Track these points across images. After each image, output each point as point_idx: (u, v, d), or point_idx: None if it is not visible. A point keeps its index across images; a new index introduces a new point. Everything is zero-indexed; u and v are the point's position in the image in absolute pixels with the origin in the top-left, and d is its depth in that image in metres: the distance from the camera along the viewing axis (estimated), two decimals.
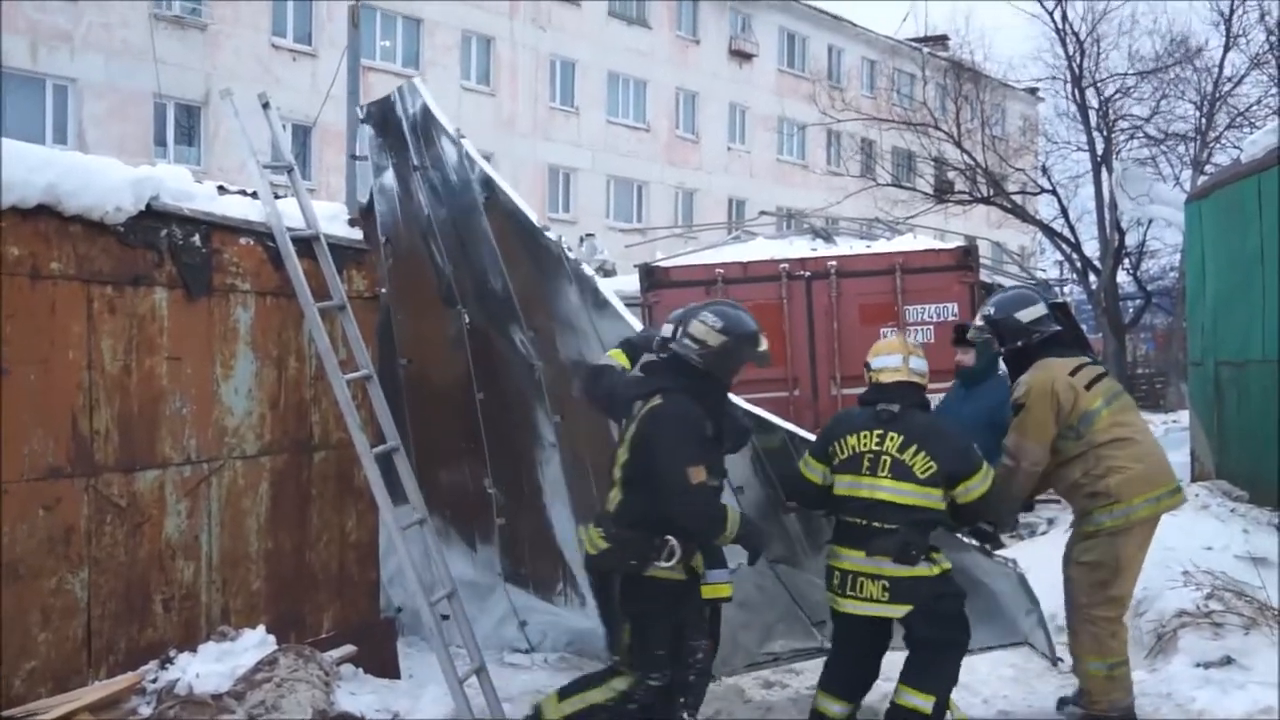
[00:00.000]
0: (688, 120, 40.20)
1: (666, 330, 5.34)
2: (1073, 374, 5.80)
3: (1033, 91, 38.61)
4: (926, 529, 5.47)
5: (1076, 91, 28.31)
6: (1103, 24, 28.70)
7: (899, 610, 5.41)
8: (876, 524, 5.41)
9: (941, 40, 39.01)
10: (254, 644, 5.49)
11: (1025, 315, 5.99)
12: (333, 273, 6.23)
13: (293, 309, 6.09)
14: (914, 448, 5.45)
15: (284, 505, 6.13)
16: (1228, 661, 6.32)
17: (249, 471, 5.93)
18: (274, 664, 5.35)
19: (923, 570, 5.37)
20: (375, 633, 6.63)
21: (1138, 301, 31.12)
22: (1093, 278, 27.84)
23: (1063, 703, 6.09)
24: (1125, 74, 28.71)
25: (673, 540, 4.99)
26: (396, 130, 7.19)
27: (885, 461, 5.48)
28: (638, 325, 6.19)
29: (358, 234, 6.73)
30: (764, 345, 5.35)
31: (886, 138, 32.88)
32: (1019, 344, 6.01)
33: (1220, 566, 7.32)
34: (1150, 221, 25.23)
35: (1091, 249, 28.64)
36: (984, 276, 13.79)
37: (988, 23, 52.59)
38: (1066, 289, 33.52)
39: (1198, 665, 6.28)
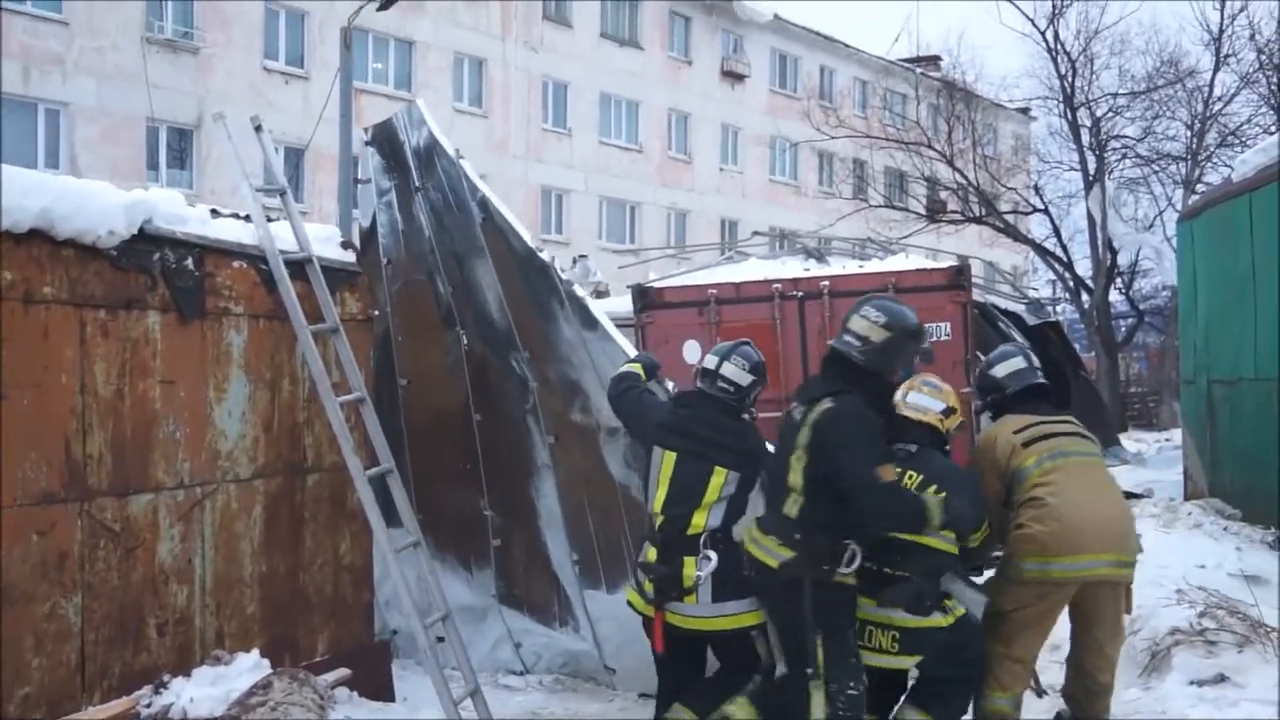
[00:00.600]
0: (680, 141, 40.29)
1: (710, 362, 5.53)
2: (1018, 431, 5.61)
3: (1025, 111, 38.85)
4: (939, 576, 5.18)
5: (1069, 111, 28.49)
6: (1095, 44, 28.97)
7: (909, 662, 5.20)
8: (888, 570, 5.13)
9: (934, 60, 39.22)
10: (248, 668, 5.46)
11: (1000, 370, 5.91)
12: (325, 295, 6.24)
13: (286, 332, 6.09)
14: (933, 489, 5.14)
15: (277, 528, 6.12)
16: (1222, 679, 6.30)
17: (242, 495, 5.92)
18: (268, 688, 5.31)
19: (936, 621, 5.12)
20: (370, 656, 6.62)
21: (1130, 320, 31.24)
22: (1085, 296, 27.95)
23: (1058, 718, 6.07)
24: (1117, 94, 28.92)
25: (853, 545, 4.95)
26: (399, 153, 7.25)
27: None
28: (629, 347, 6.26)
29: (350, 257, 6.74)
30: (927, 341, 5.52)
31: (878, 158, 33.00)
32: (990, 399, 5.96)
33: (1213, 584, 7.33)
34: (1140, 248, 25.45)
35: (1084, 268, 28.78)
36: (977, 296, 13.79)
37: (980, 42, 53.05)
38: (1059, 308, 33.59)
39: (1192, 683, 6.26)
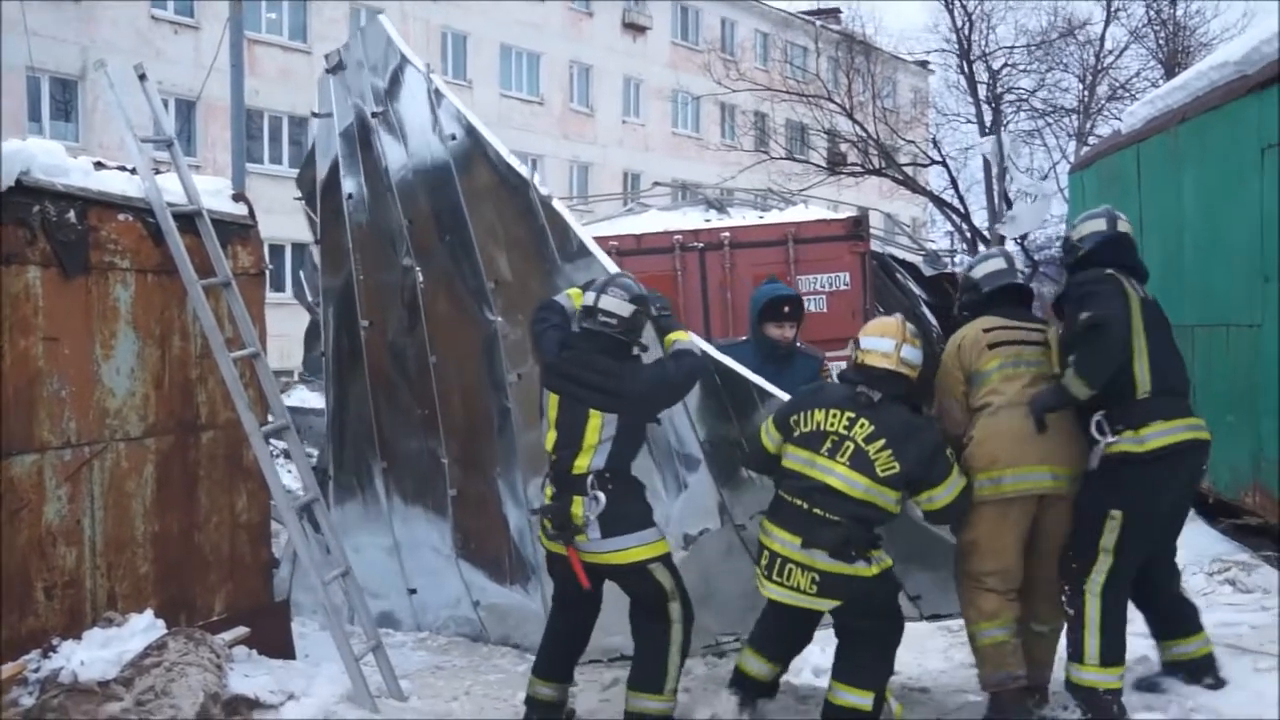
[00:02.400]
0: (582, 93, 40.05)
1: (587, 299, 5.38)
2: (988, 330, 5.41)
3: (923, 64, 39.20)
4: (871, 526, 5.07)
5: (965, 64, 28.80)
6: None
7: (825, 604, 5.11)
8: (818, 511, 5.01)
9: (834, 13, 39.42)
10: (141, 629, 5.38)
11: (979, 270, 5.71)
12: (216, 248, 6.11)
13: (176, 287, 5.95)
14: (881, 442, 5.03)
15: (171, 487, 6.00)
16: None
17: (133, 453, 5.79)
18: (163, 649, 5.24)
19: (859, 569, 4.99)
20: (269, 614, 6.53)
21: (1025, 270, 31.77)
22: (982, 247, 28.32)
23: None
24: (1012, 47, 29.31)
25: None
26: (356, 75, 6.97)
27: (848, 448, 5.07)
28: (612, 269, 5.94)
29: (243, 209, 6.59)
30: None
31: (780, 110, 33.09)
32: (965, 299, 5.73)
33: None
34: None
35: (981, 219, 29.17)
36: (875, 247, 13.95)
37: None
38: (957, 259, 34.08)
39: None
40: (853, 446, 5.05)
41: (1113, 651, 5.12)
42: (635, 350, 5.42)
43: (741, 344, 6.79)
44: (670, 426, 6.05)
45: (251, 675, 5.74)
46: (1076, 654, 5.18)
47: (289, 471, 9.90)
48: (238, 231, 6.49)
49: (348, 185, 7.20)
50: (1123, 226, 5.54)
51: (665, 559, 5.32)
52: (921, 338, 5.44)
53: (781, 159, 29.74)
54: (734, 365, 5.77)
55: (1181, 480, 5.27)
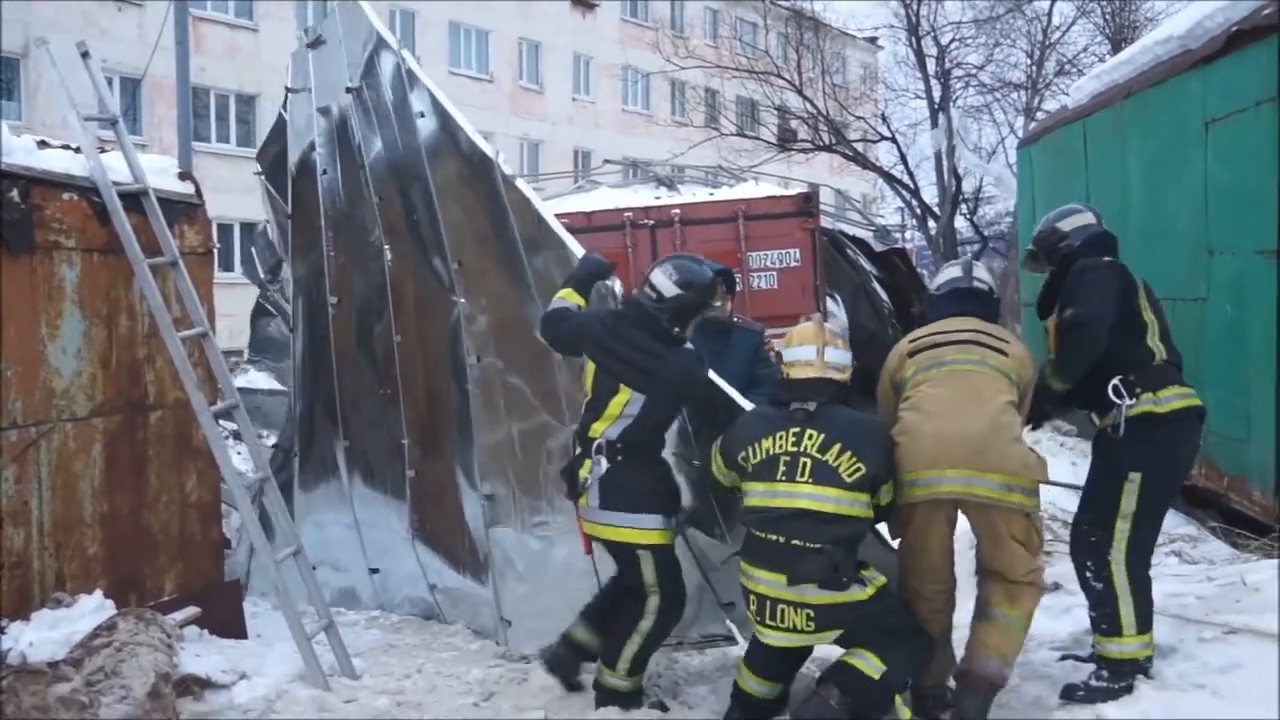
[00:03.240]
0: (531, 71, 39.84)
1: (650, 269, 5.45)
2: (912, 340, 5.31)
3: (872, 40, 39.27)
4: (855, 543, 4.81)
5: (914, 40, 28.87)
6: None
7: (827, 637, 4.85)
8: (797, 542, 4.70)
9: None
10: (91, 609, 5.34)
11: (938, 279, 5.62)
12: (163, 227, 6.05)
13: (122, 266, 5.90)
14: (837, 447, 4.79)
15: (119, 467, 5.95)
16: (1056, 587, 6.57)
17: (80, 434, 5.74)
18: (113, 629, 5.21)
19: (854, 594, 4.72)
20: (220, 594, 6.50)
21: (975, 245, 32.01)
22: (931, 223, 28.50)
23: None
24: (960, 23, 29.40)
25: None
26: (334, 52, 6.93)
27: (805, 465, 4.80)
28: (576, 250, 5.92)
29: (189, 188, 6.53)
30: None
31: (730, 87, 33.06)
32: (925, 308, 5.78)
33: (1048, 497, 7.59)
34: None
35: (930, 195, 29.33)
36: (826, 223, 14.00)
37: None
38: (907, 234, 34.28)
39: None
40: (809, 462, 4.79)
41: (1145, 620, 5.13)
42: (677, 334, 5.37)
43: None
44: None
45: (203, 655, 5.73)
46: (1113, 628, 5.13)
47: (237, 453, 9.84)
48: (185, 210, 6.44)
49: (322, 161, 7.16)
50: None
51: (659, 550, 5.26)
52: (845, 337, 5.28)
53: (732, 135, 29.73)
54: (725, 386, 5.55)
55: (1190, 446, 5.30)
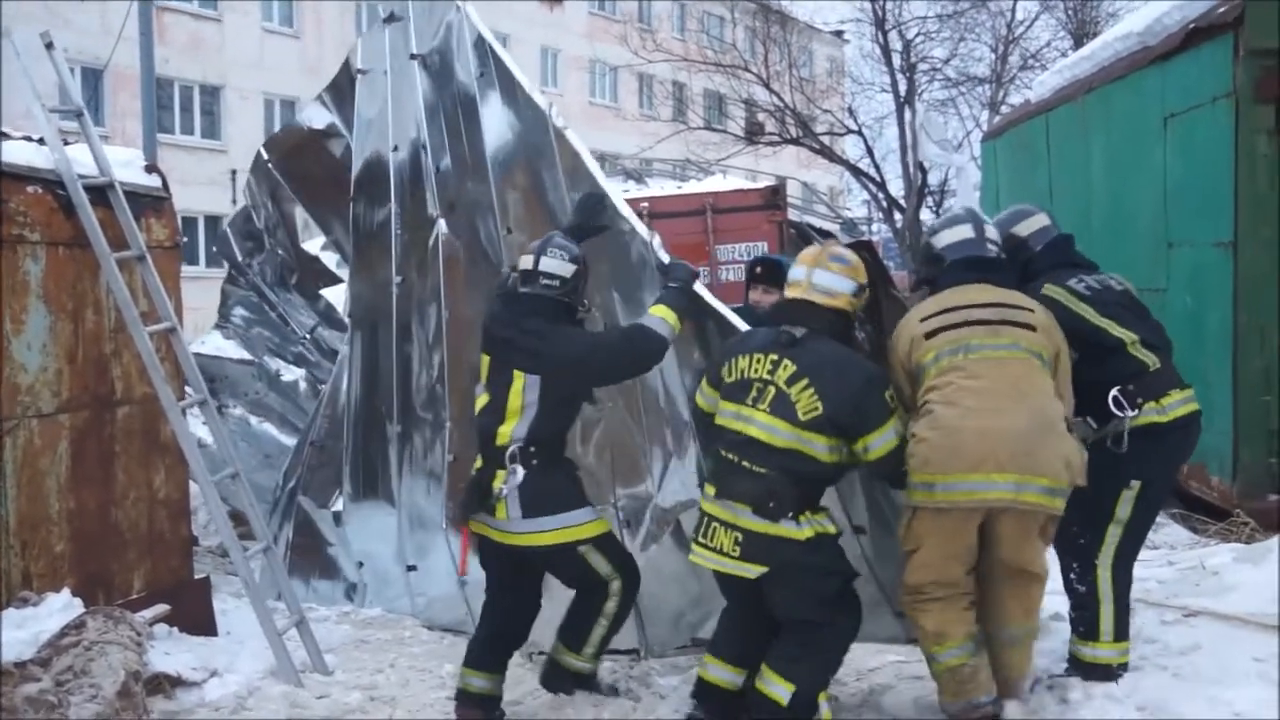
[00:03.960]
0: None
1: (526, 261, 5.11)
2: (926, 318, 4.73)
3: (838, 34, 39.37)
4: (802, 481, 4.51)
5: (880, 34, 28.97)
6: None
7: (750, 570, 4.49)
8: (745, 464, 4.53)
9: None
10: (59, 608, 5.32)
11: (941, 238, 5.01)
12: (129, 221, 6.01)
13: (88, 260, 5.86)
14: (803, 382, 4.50)
15: (86, 463, 5.92)
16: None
17: (46, 430, 5.70)
18: (81, 627, 5.19)
19: (786, 530, 4.43)
20: (190, 591, 6.48)
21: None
22: (898, 216, 28.63)
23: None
24: (926, 17, 29.52)
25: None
26: (403, 26, 6.90)
27: (769, 393, 4.56)
28: (637, 224, 5.65)
29: (156, 181, 6.50)
30: None
31: (697, 80, 33.14)
32: (923, 272, 5.18)
33: None
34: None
35: (896, 188, 29.46)
36: (792, 215, 14.07)
37: None
38: (874, 227, 34.41)
39: None
40: (774, 390, 4.54)
41: (1124, 626, 4.98)
42: (579, 314, 5.17)
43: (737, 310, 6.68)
44: (661, 386, 5.73)
45: (173, 653, 5.73)
46: (1090, 632, 4.97)
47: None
48: (151, 204, 6.40)
49: (394, 138, 7.03)
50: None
51: (599, 540, 5.04)
52: (852, 264, 4.79)
53: (699, 129, 29.78)
54: (732, 317, 5.35)
55: (1189, 449, 5.13)
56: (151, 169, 6.57)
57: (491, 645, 5.22)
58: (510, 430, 4.97)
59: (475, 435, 5.23)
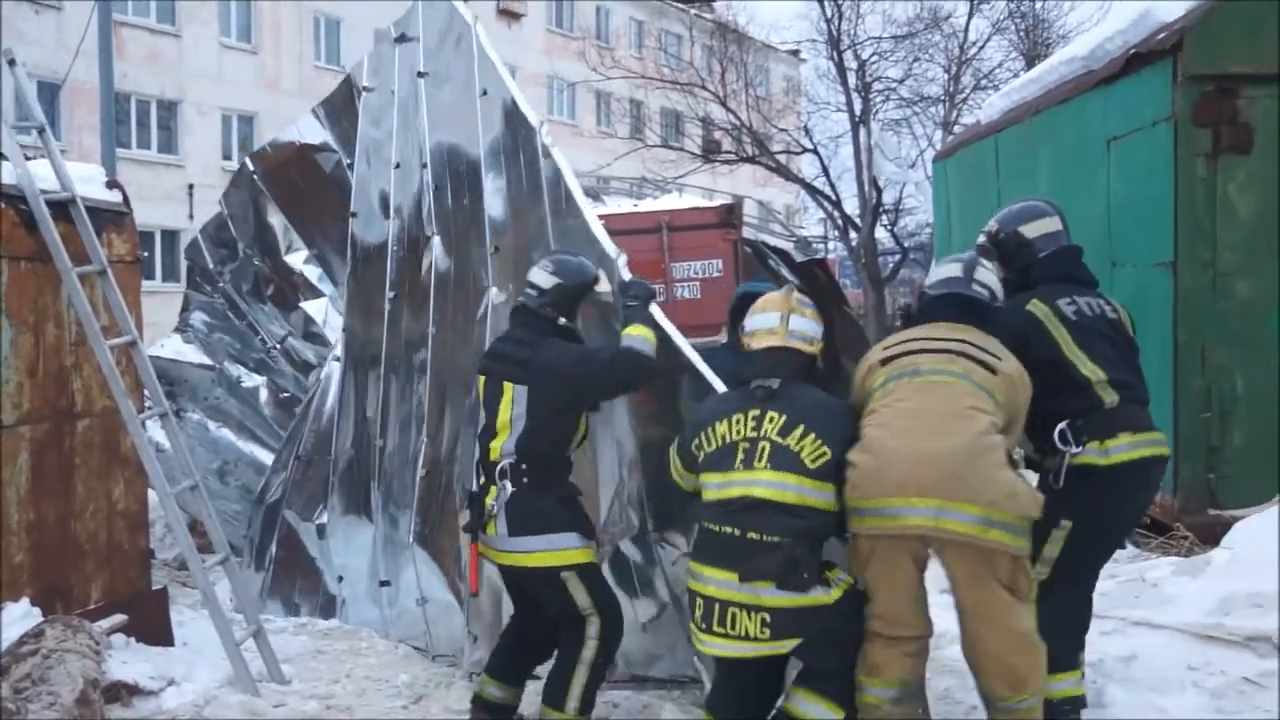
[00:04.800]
0: None
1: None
2: (887, 347, 4.59)
3: (794, 53, 39.75)
4: (819, 540, 4.24)
5: (835, 54, 29.29)
6: None
7: (784, 647, 4.18)
8: (753, 535, 4.14)
9: (707, 1, 39.74)
10: (18, 617, 5.38)
11: (932, 276, 4.90)
12: (91, 236, 6.08)
13: (49, 274, 5.91)
14: (800, 429, 4.23)
15: (46, 475, 5.97)
16: None
17: (7, 442, 5.74)
18: (40, 636, 5.24)
19: (817, 597, 4.14)
20: (147, 602, 6.53)
21: (895, 256, 32.48)
22: (853, 234, 28.91)
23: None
24: (880, 38, 29.89)
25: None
26: (412, 46, 6.97)
27: (764, 449, 4.25)
28: (605, 242, 5.59)
29: (117, 196, 6.56)
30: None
31: (654, 98, 33.35)
32: (905, 309, 5.04)
33: None
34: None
35: (852, 206, 29.76)
36: (748, 234, 14.24)
37: None
38: (829, 245, 34.72)
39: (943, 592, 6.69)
40: (769, 445, 4.24)
41: (1062, 659, 4.55)
42: (561, 325, 5.08)
43: (721, 348, 6.55)
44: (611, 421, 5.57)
45: (130, 662, 5.78)
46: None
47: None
48: (112, 219, 6.47)
49: (398, 155, 7.09)
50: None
51: (584, 570, 4.87)
52: (815, 306, 4.67)
53: (656, 146, 29.98)
54: (706, 372, 5.16)
55: (1137, 499, 4.85)
56: (112, 184, 6.63)
57: (511, 655, 5.20)
58: (501, 445, 4.93)
59: (477, 454, 5.18)
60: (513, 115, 6.25)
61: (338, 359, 7.56)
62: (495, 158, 6.37)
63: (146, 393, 6.41)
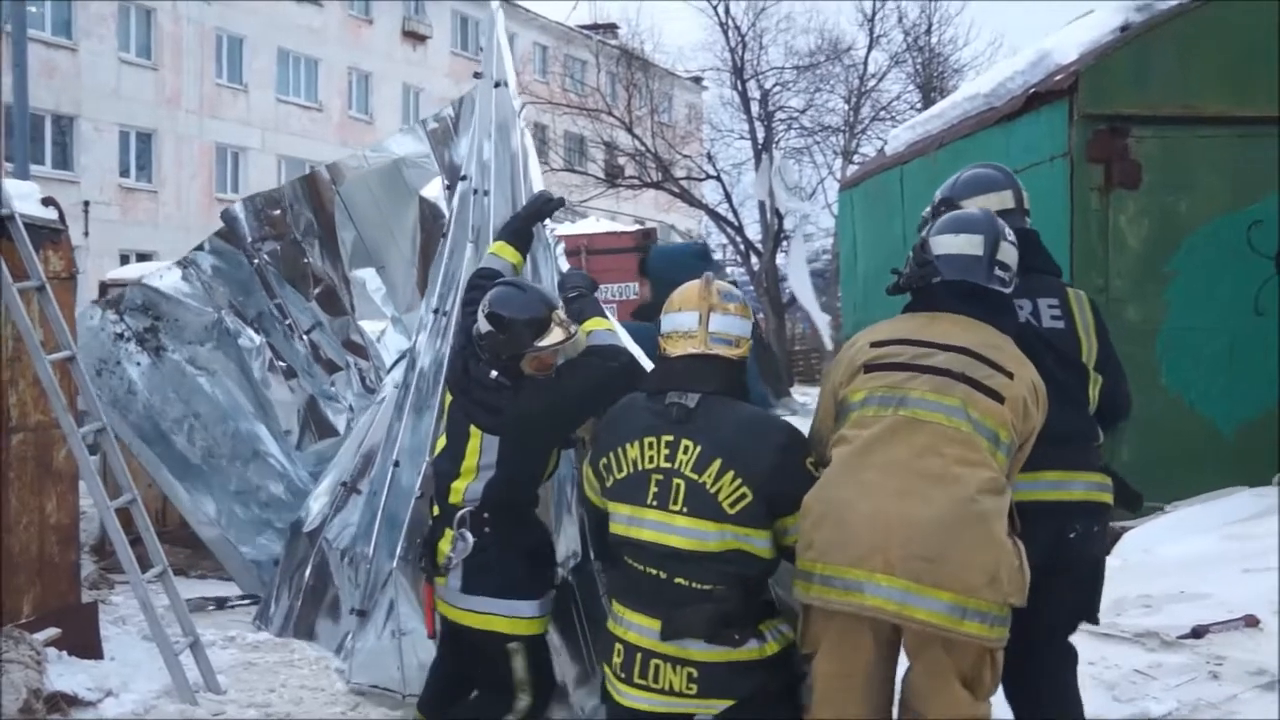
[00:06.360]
0: (361, 101, 39.76)
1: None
2: (877, 344, 3.71)
3: (697, 80, 40.38)
4: (754, 587, 3.62)
5: (739, 83, 29.91)
6: (762, 19, 30.58)
7: (713, 707, 3.56)
8: (681, 581, 3.56)
9: (611, 28, 40.23)
10: None
11: (940, 245, 3.83)
12: (30, 253, 6.13)
13: None
14: (717, 464, 3.52)
15: None
16: None
17: None
18: None
19: (750, 652, 3.54)
20: (78, 615, 6.57)
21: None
22: (755, 260, 29.44)
23: None
24: (783, 68, 30.62)
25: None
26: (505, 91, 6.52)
27: (678, 487, 3.56)
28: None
29: (53, 214, 6.63)
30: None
31: (560, 123, 33.68)
32: (908, 274, 3.92)
33: None
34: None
35: (754, 232, 30.32)
36: None
37: (657, 13, 54.52)
38: (730, 270, 35.26)
39: None
40: (683, 484, 3.56)
41: None
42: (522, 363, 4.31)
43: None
44: None
45: (65, 675, 5.83)
46: None
47: None
48: (49, 235, 6.52)
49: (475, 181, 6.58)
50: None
51: (532, 643, 4.36)
52: (741, 301, 3.88)
53: (561, 170, 30.27)
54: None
55: (1038, 548, 3.64)
56: (49, 201, 6.68)
57: (437, 694, 4.75)
58: (465, 489, 4.33)
59: (433, 478, 4.68)
60: (515, 129, 6.16)
61: (398, 385, 6.95)
62: (501, 172, 6.17)
63: (83, 407, 6.48)
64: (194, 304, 8.53)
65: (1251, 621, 5.84)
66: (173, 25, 32.92)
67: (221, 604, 8.03)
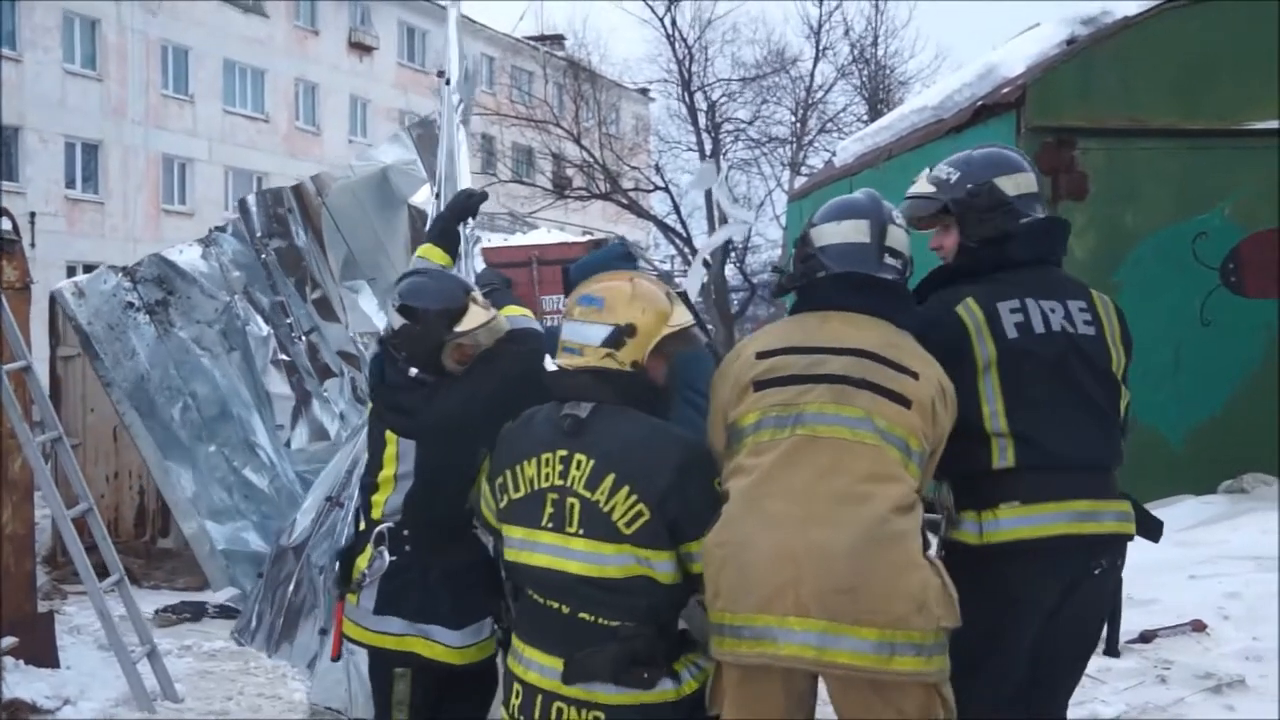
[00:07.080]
0: (308, 112, 39.55)
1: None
2: (764, 355, 3.22)
3: (644, 92, 40.57)
4: (666, 621, 3.18)
5: (686, 94, 30.10)
6: (709, 32, 30.81)
7: None
8: (585, 616, 3.15)
9: (559, 40, 40.35)
10: None
11: (823, 234, 3.37)
12: None
13: None
14: (610, 479, 3.10)
15: None
16: None
17: None
18: None
19: (663, 693, 3.12)
20: (33, 624, 6.55)
21: (744, 293, 33.32)
22: (703, 270, 29.62)
23: None
24: (730, 80, 30.84)
25: None
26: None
27: (573, 507, 3.14)
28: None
29: (6, 224, 6.62)
30: None
31: (508, 134, 33.73)
32: (791, 272, 3.49)
33: None
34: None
35: (702, 243, 30.47)
36: None
37: (603, 25, 54.78)
38: (678, 281, 35.36)
39: None
40: (577, 503, 3.14)
41: None
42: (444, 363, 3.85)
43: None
44: None
45: (22, 683, 5.86)
46: None
47: None
48: (3, 247, 6.53)
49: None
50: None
51: (419, 676, 3.83)
52: (603, 303, 3.26)
53: (509, 181, 30.34)
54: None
55: (1045, 590, 3.32)
56: (2, 213, 6.68)
57: None
58: (385, 502, 3.88)
59: (358, 500, 4.29)
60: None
61: None
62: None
63: (38, 416, 6.47)
64: (208, 284, 8.58)
65: (1199, 626, 5.98)
66: (117, 36, 32.62)
67: (198, 615, 8.00)
